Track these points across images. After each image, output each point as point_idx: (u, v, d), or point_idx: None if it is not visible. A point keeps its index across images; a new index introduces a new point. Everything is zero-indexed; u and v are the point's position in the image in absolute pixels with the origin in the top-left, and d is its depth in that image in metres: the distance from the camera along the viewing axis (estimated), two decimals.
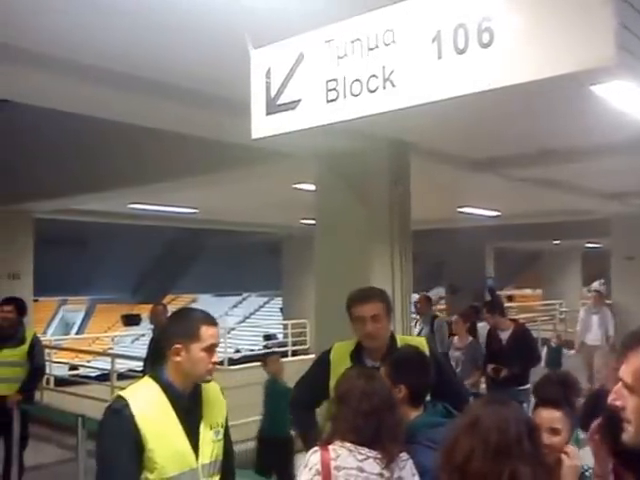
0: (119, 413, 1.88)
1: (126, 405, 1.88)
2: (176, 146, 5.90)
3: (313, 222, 5.88)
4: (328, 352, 2.89)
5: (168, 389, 1.97)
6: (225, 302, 29.07)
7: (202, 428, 2.02)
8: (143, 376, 2.13)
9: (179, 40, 3.11)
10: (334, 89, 2.35)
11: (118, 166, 6.71)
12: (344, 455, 1.90)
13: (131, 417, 1.86)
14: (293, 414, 3.10)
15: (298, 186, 7.05)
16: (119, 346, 20.36)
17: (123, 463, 1.85)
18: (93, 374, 10.27)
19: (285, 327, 13.96)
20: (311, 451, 1.95)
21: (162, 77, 3.63)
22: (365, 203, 5.12)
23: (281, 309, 17.28)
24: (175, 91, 3.75)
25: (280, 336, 15.36)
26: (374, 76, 2.24)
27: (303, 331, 13.27)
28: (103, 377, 9.21)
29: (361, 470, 1.89)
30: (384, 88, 2.22)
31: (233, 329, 21.88)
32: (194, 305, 18.27)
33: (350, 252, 5.12)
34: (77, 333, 28.03)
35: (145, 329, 13.91)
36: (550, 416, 2.01)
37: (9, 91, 4.04)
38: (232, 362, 10.58)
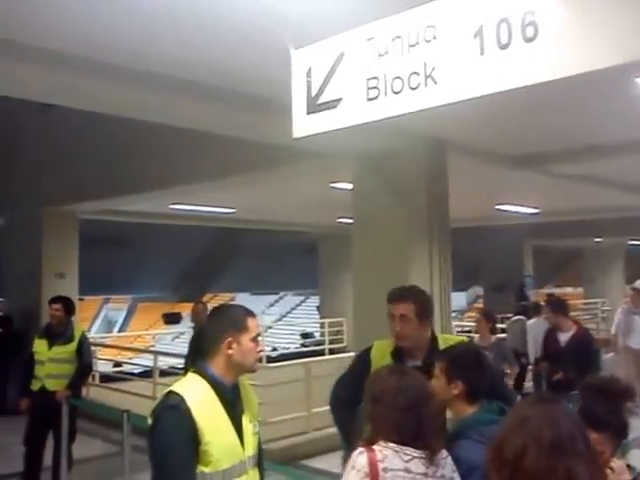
0: (176, 408, 1.90)
1: (182, 400, 1.91)
2: (215, 147, 5.98)
3: (350, 221, 5.88)
4: (368, 350, 2.89)
5: (215, 384, 2.01)
6: (262, 301, 29.32)
7: (244, 421, 2.07)
8: (185, 373, 2.17)
9: (219, 41, 3.15)
10: (375, 87, 2.34)
11: (159, 167, 6.85)
12: (390, 456, 1.88)
13: (188, 411, 1.89)
14: (334, 413, 3.11)
15: (335, 185, 7.06)
16: (160, 344, 20.75)
17: (184, 458, 1.88)
18: (136, 371, 10.49)
19: (322, 325, 14.01)
20: (357, 452, 1.93)
21: (204, 78, 3.68)
22: (403, 202, 5.08)
23: (317, 307, 17.33)
24: (216, 92, 3.80)
25: (317, 334, 15.41)
26: (415, 73, 2.23)
27: (340, 329, 13.29)
28: (145, 374, 9.40)
29: (408, 471, 1.88)
30: (426, 85, 2.21)
31: (270, 327, 22.07)
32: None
33: (388, 252, 5.10)
34: (119, 331, 28.72)
35: (185, 327, 14.14)
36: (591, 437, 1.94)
37: (33, 92, 4.05)
38: (269, 360, 10.68)
